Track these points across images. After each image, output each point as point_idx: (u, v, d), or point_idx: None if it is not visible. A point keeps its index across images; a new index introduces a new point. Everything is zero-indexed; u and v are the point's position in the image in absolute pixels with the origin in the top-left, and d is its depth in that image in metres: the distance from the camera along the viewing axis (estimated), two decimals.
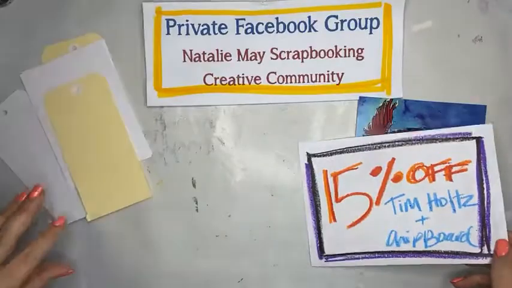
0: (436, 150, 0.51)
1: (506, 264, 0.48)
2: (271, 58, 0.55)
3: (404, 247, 0.53)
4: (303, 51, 0.54)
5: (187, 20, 0.54)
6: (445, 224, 0.52)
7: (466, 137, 0.51)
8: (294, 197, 0.56)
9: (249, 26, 0.54)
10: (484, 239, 0.51)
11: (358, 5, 0.53)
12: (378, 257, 0.54)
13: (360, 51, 0.54)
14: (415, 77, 0.55)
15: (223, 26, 0.54)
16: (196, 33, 0.55)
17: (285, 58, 0.55)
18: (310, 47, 0.54)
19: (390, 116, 0.55)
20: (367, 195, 0.53)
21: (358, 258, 0.54)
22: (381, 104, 0.55)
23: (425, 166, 0.52)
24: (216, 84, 0.55)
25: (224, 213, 0.57)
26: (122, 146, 0.56)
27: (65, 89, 0.55)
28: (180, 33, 0.55)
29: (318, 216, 0.55)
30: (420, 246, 0.53)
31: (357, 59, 0.54)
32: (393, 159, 0.52)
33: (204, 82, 0.55)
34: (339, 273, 0.57)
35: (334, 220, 0.54)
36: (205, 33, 0.54)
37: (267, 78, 0.55)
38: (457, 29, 0.54)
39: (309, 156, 0.54)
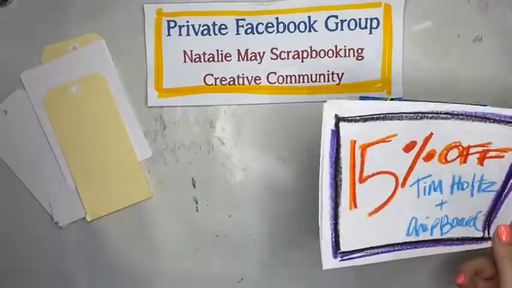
0: (480, 131, 0.45)
1: (511, 255, 0.46)
2: (271, 58, 0.55)
3: (422, 236, 0.47)
4: (303, 51, 0.54)
5: (187, 21, 0.54)
6: (460, 209, 0.48)
7: None
8: (294, 197, 0.56)
9: (249, 26, 0.54)
10: (487, 223, 0.49)
11: (358, 5, 0.53)
12: (397, 249, 0.47)
13: (360, 51, 0.54)
14: (415, 77, 0.55)
15: (223, 26, 0.54)
16: (196, 34, 0.55)
17: (285, 58, 0.55)
18: (310, 47, 0.54)
19: None
20: (394, 174, 0.45)
21: (378, 253, 0.47)
22: None
23: (462, 146, 0.45)
24: (216, 85, 0.55)
25: (224, 213, 0.57)
26: (122, 146, 0.56)
27: (65, 88, 0.55)
28: (180, 34, 0.55)
29: (337, 201, 0.45)
30: (437, 234, 0.48)
31: (357, 59, 0.54)
32: (431, 134, 0.44)
33: (205, 82, 0.55)
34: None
35: (355, 206, 0.45)
36: (206, 34, 0.55)
37: (267, 78, 0.55)
38: (457, 29, 0.54)
39: (338, 119, 0.42)
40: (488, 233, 0.50)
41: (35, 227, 0.57)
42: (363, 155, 0.44)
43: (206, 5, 0.54)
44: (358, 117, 0.42)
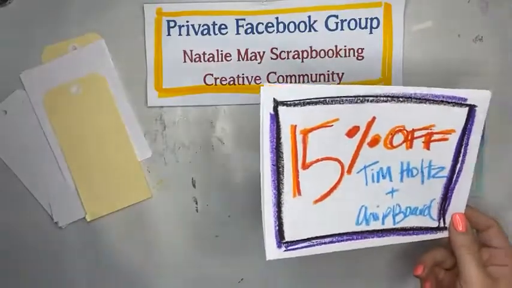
0: (422, 113, 0.44)
1: (469, 244, 0.47)
2: (271, 58, 0.55)
3: (373, 225, 0.46)
4: (303, 51, 0.54)
5: (187, 21, 0.54)
6: (412, 197, 0.47)
7: (459, 102, 0.44)
8: None
9: (249, 26, 0.54)
10: (441, 211, 0.48)
11: (358, 4, 0.53)
12: (346, 239, 0.46)
13: (360, 51, 0.54)
14: (415, 77, 0.55)
15: (223, 26, 0.54)
16: (196, 33, 0.55)
17: (285, 58, 0.55)
18: (310, 46, 0.54)
19: None
20: (339, 161, 0.44)
21: (325, 243, 0.45)
22: None
23: (406, 130, 0.44)
24: (216, 84, 0.55)
25: (224, 213, 0.57)
26: (122, 146, 0.56)
27: (65, 88, 0.55)
28: (180, 34, 0.55)
29: (280, 188, 0.43)
30: (389, 223, 0.46)
31: (357, 58, 0.54)
32: (373, 118, 0.43)
33: (204, 82, 0.55)
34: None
35: (299, 193, 0.44)
36: (206, 34, 0.55)
37: (267, 78, 0.55)
38: (457, 29, 0.54)
39: (276, 103, 0.41)
40: (444, 223, 0.48)
41: (35, 227, 0.57)
42: (304, 141, 0.43)
43: (206, 4, 0.54)
44: (297, 101, 0.41)
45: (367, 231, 0.46)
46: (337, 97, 0.42)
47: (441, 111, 0.44)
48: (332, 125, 0.43)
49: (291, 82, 0.55)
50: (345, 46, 0.54)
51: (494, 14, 0.54)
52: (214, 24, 0.54)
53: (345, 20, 0.54)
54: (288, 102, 0.41)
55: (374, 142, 0.44)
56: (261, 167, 0.42)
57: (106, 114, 0.55)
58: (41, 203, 0.56)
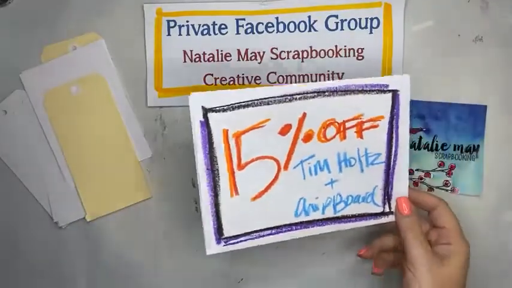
0: (349, 104, 0.46)
1: (412, 226, 0.47)
2: (271, 58, 0.55)
3: (313, 215, 0.48)
4: (303, 51, 0.54)
5: (187, 21, 0.54)
6: (353, 186, 0.48)
7: (382, 89, 0.46)
8: None
9: (249, 26, 0.54)
10: (386, 197, 0.49)
11: (358, 4, 0.53)
12: (286, 230, 0.48)
13: (360, 51, 0.54)
14: (415, 77, 0.54)
15: (223, 26, 0.54)
16: (196, 33, 0.55)
17: (285, 58, 0.55)
18: (310, 46, 0.54)
19: None
20: (275, 159, 0.46)
21: (264, 235, 0.48)
22: None
23: (337, 122, 0.46)
24: (216, 84, 0.55)
25: None
26: (122, 146, 0.56)
27: (65, 88, 0.55)
28: (180, 34, 0.55)
29: (216, 190, 0.45)
30: (330, 212, 0.48)
31: (357, 58, 0.54)
32: (304, 114, 0.45)
33: (204, 82, 0.55)
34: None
35: (237, 193, 0.46)
36: (206, 34, 0.55)
37: (267, 78, 0.55)
38: (458, 29, 0.54)
39: (205, 111, 0.43)
40: (390, 207, 0.49)
41: (35, 227, 0.57)
42: (238, 143, 0.45)
43: (206, 4, 0.54)
44: (226, 107, 0.43)
45: (307, 221, 0.48)
46: (265, 98, 0.44)
47: (367, 100, 0.46)
48: (264, 126, 0.45)
49: (291, 82, 0.55)
50: (345, 46, 0.54)
51: (494, 14, 0.54)
52: (214, 24, 0.54)
53: (345, 20, 0.54)
54: (217, 108, 0.43)
55: (308, 137, 0.46)
56: (197, 171, 0.45)
57: (106, 114, 0.55)
58: (41, 203, 0.56)
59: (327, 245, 0.57)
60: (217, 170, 0.45)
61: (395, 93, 0.47)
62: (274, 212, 0.47)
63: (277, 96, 0.44)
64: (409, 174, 0.55)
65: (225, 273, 0.57)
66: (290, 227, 0.48)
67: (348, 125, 0.47)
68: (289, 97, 0.45)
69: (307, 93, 0.45)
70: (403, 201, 0.48)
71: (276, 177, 0.47)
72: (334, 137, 0.47)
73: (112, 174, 0.56)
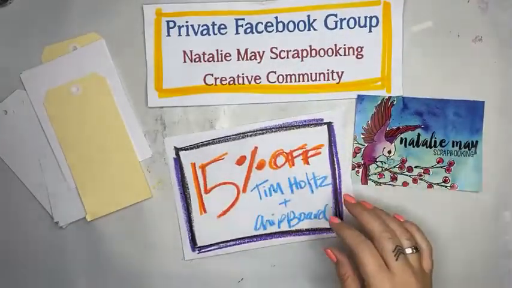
0: (294, 137, 0.55)
1: (343, 228, 0.48)
2: (271, 57, 0.55)
3: (270, 229, 0.57)
4: (302, 50, 0.54)
5: (187, 21, 0.54)
6: (304, 205, 0.56)
7: (318, 123, 0.55)
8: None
9: (249, 25, 0.54)
10: (338, 213, 0.57)
11: (357, 3, 0.54)
12: (248, 241, 0.57)
13: (359, 49, 0.54)
14: (415, 76, 0.55)
15: (222, 26, 0.54)
16: (196, 34, 0.55)
17: (284, 57, 0.55)
18: (310, 45, 0.54)
19: (389, 114, 0.55)
20: (234, 184, 0.56)
21: (230, 245, 0.57)
22: (379, 102, 0.55)
23: (285, 152, 0.56)
24: (216, 84, 0.55)
25: None
26: (122, 146, 0.56)
27: (65, 89, 0.55)
28: (180, 34, 0.55)
29: (189, 209, 0.56)
30: (285, 226, 0.57)
31: (357, 57, 0.54)
32: (256, 147, 0.55)
33: (204, 82, 0.55)
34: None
35: (205, 211, 0.56)
36: (205, 34, 0.55)
37: (267, 77, 0.55)
38: (457, 29, 0.54)
39: (177, 150, 0.56)
40: None
41: (35, 227, 0.57)
42: (203, 172, 0.56)
43: (205, 5, 0.54)
44: (192, 145, 0.56)
45: (266, 234, 0.57)
46: (223, 137, 0.55)
47: (308, 132, 0.55)
48: (223, 158, 0.56)
49: (291, 81, 0.55)
50: (344, 45, 0.54)
51: (494, 14, 0.54)
52: (213, 24, 0.54)
53: (344, 18, 0.54)
54: (186, 147, 0.56)
55: (261, 166, 0.56)
56: (174, 196, 0.56)
57: (106, 114, 0.55)
58: (41, 203, 0.56)
59: (326, 245, 0.57)
60: (189, 194, 0.56)
61: (330, 125, 0.55)
62: (236, 227, 0.57)
63: (233, 135, 0.55)
64: (409, 171, 0.55)
65: (225, 273, 0.57)
66: (251, 238, 0.57)
67: (294, 154, 0.56)
68: (242, 135, 0.55)
69: (256, 130, 0.55)
70: (331, 218, 0.50)
71: (237, 198, 0.56)
72: (283, 164, 0.56)
73: (112, 174, 0.56)
